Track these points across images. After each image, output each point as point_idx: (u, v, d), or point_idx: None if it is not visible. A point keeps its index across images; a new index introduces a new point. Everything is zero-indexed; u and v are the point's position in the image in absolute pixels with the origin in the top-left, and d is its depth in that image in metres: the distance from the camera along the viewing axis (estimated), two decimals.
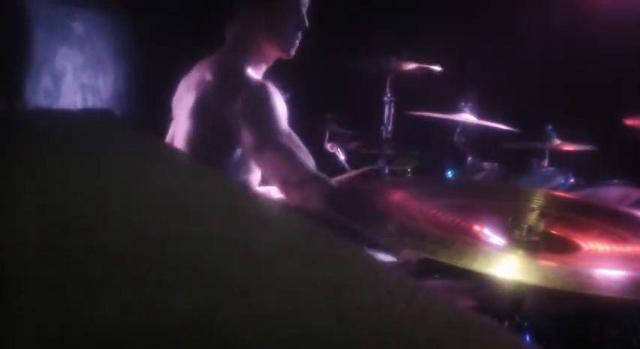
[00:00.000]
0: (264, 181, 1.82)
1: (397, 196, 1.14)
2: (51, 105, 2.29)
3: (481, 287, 1.40)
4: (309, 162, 1.64)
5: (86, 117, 0.91)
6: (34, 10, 2.17)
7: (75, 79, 2.46)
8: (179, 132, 1.75)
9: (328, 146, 3.02)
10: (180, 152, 1.49)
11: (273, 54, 1.78)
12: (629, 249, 1.02)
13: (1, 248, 0.39)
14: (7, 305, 0.33)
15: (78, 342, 0.30)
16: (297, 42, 1.77)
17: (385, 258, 1.79)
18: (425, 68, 2.88)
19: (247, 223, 0.49)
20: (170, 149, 1.09)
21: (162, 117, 1.89)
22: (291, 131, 1.65)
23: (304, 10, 1.78)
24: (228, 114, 1.62)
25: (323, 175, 1.66)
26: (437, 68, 2.86)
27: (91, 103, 2.59)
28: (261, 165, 1.67)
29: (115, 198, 0.51)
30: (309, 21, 1.78)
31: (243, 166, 1.68)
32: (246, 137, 1.61)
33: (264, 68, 1.79)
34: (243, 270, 0.39)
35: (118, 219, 0.46)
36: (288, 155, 1.60)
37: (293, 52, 1.78)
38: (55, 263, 0.38)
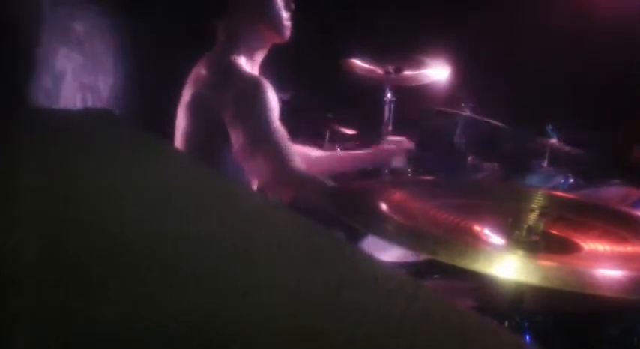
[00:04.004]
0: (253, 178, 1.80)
1: (397, 196, 1.14)
2: (51, 105, 2.29)
3: (481, 287, 1.40)
4: (298, 160, 1.63)
5: (86, 117, 0.91)
6: (35, 10, 2.17)
7: (75, 79, 2.46)
8: (178, 128, 1.75)
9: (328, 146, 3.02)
10: (179, 152, 1.49)
11: (268, 39, 1.78)
12: (629, 249, 1.02)
13: (1, 248, 0.39)
14: (7, 305, 0.33)
15: (78, 342, 0.30)
16: (289, 24, 1.77)
17: (385, 257, 1.79)
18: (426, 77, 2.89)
19: (247, 223, 0.49)
20: (169, 149, 1.09)
21: (161, 117, 1.89)
22: (282, 128, 1.64)
23: None
24: (220, 110, 1.62)
25: (314, 175, 1.66)
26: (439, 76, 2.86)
27: (91, 103, 2.59)
28: (251, 164, 1.64)
29: (114, 198, 0.51)
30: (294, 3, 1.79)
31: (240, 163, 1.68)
32: (237, 134, 1.60)
33: (259, 57, 1.79)
34: (243, 270, 0.39)
35: (117, 218, 0.46)
36: (279, 154, 1.59)
37: (287, 35, 1.78)
38: (54, 263, 0.38)
